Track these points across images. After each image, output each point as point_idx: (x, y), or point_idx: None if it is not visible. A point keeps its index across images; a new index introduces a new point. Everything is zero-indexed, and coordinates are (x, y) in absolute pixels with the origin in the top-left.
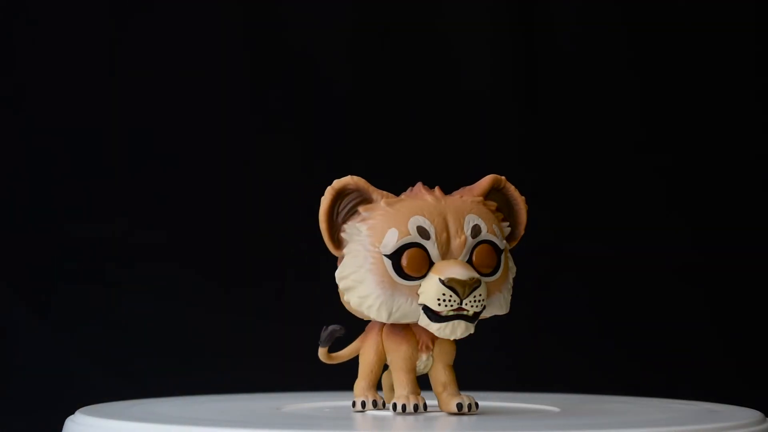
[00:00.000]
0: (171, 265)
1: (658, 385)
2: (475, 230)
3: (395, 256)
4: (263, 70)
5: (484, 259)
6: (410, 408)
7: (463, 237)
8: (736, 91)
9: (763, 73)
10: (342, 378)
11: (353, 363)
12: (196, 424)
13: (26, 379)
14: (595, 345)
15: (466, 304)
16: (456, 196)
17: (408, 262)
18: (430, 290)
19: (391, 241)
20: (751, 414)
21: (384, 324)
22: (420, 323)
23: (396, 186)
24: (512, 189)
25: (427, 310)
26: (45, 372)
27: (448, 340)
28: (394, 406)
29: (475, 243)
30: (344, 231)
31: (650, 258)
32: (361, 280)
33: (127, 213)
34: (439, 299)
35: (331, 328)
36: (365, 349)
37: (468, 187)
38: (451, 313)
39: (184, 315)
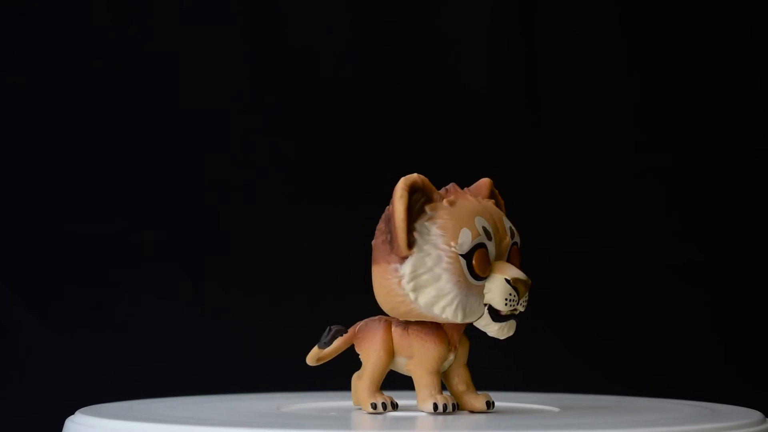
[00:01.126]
0: (171, 265)
1: (658, 385)
2: (511, 232)
3: (468, 256)
4: (264, 70)
5: (516, 260)
6: (450, 407)
7: (507, 238)
8: (736, 91)
9: (763, 73)
10: (342, 378)
11: (351, 364)
12: (196, 424)
13: (26, 379)
14: (595, 345)
15: (521, 304)
16: (478, 198)
17: (477, 263)
18: (498, 290)
19: (467, 240)
20: (751, 414)
21: (390, 323)
22: (479, 323)
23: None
24: (497, 192)
25: (490, 309)
26: (45, 372)
27: (467, 339)
28: (435, 407)
29: (511, 244)
30: (415, 230)
31: (650, 258)
32: (436, 280)
33: (127, 213)
34: (506, 299)
35: (335, 329)
36: (372, 350)
37: (473, 189)
38: (509, 312)
39: (184, 315)
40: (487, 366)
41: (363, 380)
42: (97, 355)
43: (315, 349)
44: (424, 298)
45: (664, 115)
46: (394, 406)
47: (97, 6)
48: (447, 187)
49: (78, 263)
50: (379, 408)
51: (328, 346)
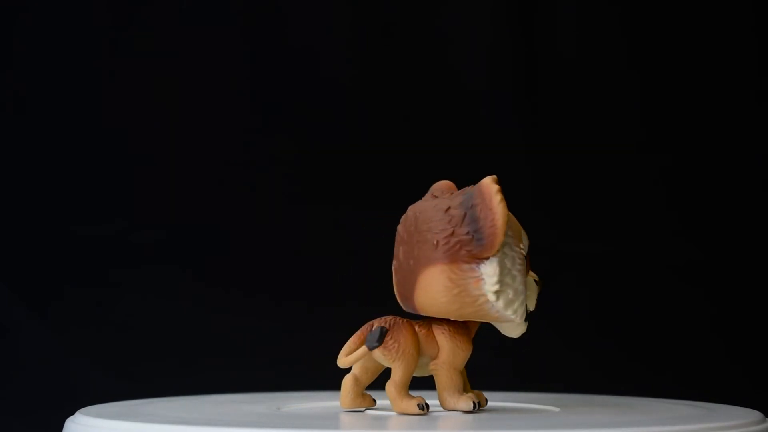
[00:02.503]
0: (171, 265)
1: (658, 385)
2: None
3: (526, 258)
4: (263, 70)
5: None
6: (482, 405)
7: None
8: (737, 91)
9: (764, 73)
10: (340, 378)
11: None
12: (196, 424)
13: (26, 379)
14: (595, 345)
15: None
16: None
17: (528, 264)
18: (532, 291)
19: (526, 243)
20: (751, 414)
21: (412, 323)
22: (513, 322)
23: (396, 185)
24: None
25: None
26: (45, 372)
27: None
28: (475, 406)
29: None
30: None
31: (650, 258)
32: (513, 281)
33: (127, 213)
34: (536, 299)
35: (382, 329)
36: (406, 352)
37: (444, 191)
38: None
39: (184, 315)
40: (488, 366)
41: (396, 383)
42: (97, 355)
43: (362, 350)
44: (504, 299)
45: (665, 115)
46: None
47: (97, 6)
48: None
49: (78, 263)
50: (424, 408)
51: (379, 345)
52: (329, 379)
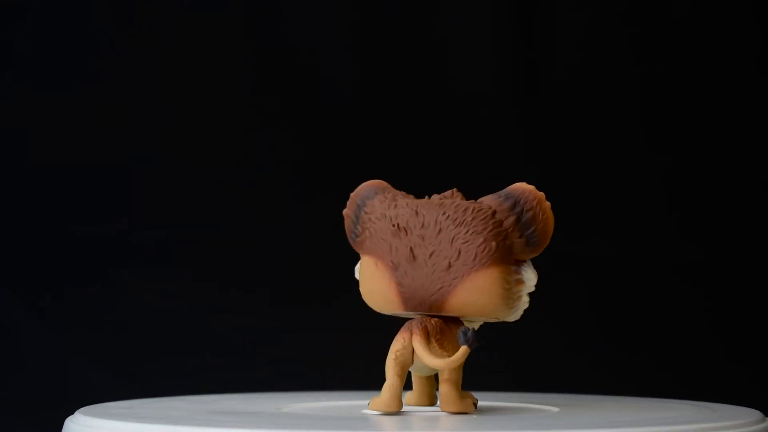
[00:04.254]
0: (171, 265)
1: (658, 385)
2: None
3: None
4: (263, 70)
5: None
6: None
7: None
8: (737, 91)
9: (764, 74)
10: (340, 378)
11: (342, 362)
12: (196, 424)
13: (26, 379)
14: (595, 345)
15: None
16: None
17: None
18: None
19: None
20: (751, 414)
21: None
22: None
23: (396, 186)
24: None
25: None
26: (45, 372)
27: None
28: (476, 404)
29: None
30: None
31: (650, 258)
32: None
33: (127, 213)
34: None
35: (473, 329)
36: (456, 352)
37: (387, 191)
38: None
39: (184, 315)
40: (486, 366)
41: (454, 383)
42: (97, 355)
43: (462, 350)
44: (528, 300)
45: (665, 116)
46: None
47: (97, 6)
48: (453, 190)
49: (78, 263)
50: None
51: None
52: (329, 379)
